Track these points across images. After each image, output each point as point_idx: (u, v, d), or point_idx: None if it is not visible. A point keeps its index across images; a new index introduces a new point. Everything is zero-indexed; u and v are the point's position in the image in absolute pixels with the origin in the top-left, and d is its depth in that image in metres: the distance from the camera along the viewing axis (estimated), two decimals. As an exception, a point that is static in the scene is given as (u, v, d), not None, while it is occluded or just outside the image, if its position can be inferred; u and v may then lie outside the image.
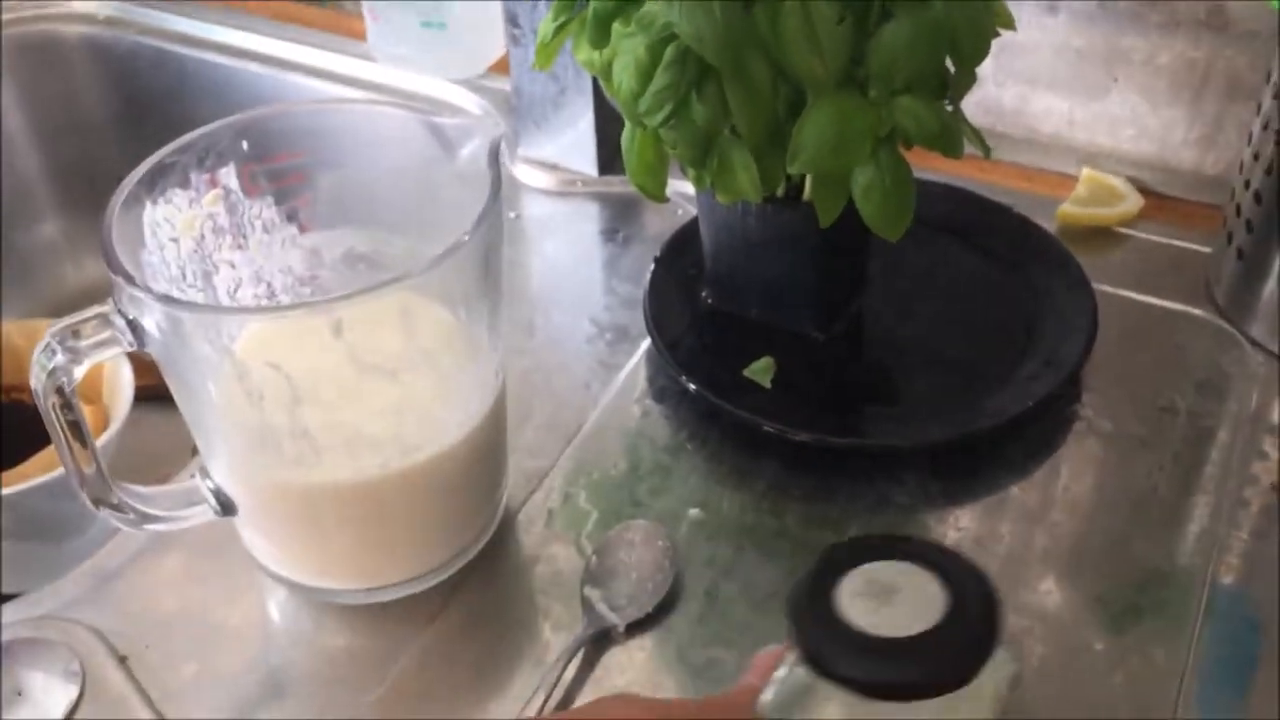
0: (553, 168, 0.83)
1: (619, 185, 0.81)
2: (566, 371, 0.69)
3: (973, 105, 0.77)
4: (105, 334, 0.46)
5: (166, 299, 0.46)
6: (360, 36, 0.94)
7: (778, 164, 0.56)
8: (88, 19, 1.01)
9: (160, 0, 1.01)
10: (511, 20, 0.77)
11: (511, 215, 0.80)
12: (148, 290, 0.46)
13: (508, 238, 0.78)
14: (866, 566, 0.40)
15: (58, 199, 1.08)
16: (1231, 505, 0.59)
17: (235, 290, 0.55)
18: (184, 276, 0.53)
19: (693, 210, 0.71)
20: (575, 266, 0.77)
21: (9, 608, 0.57)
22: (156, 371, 0.92)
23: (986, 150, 0.60)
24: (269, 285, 0.56)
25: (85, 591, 0.58)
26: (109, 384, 0.84)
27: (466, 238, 0.47)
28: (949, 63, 0.58)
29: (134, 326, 0.47)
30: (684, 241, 0.72)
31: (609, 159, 0.81)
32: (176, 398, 0.51)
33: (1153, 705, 0.51)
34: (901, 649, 0.38)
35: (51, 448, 0.74)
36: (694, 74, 0.53)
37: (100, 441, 0.80)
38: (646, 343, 0.69)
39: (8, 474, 0.75)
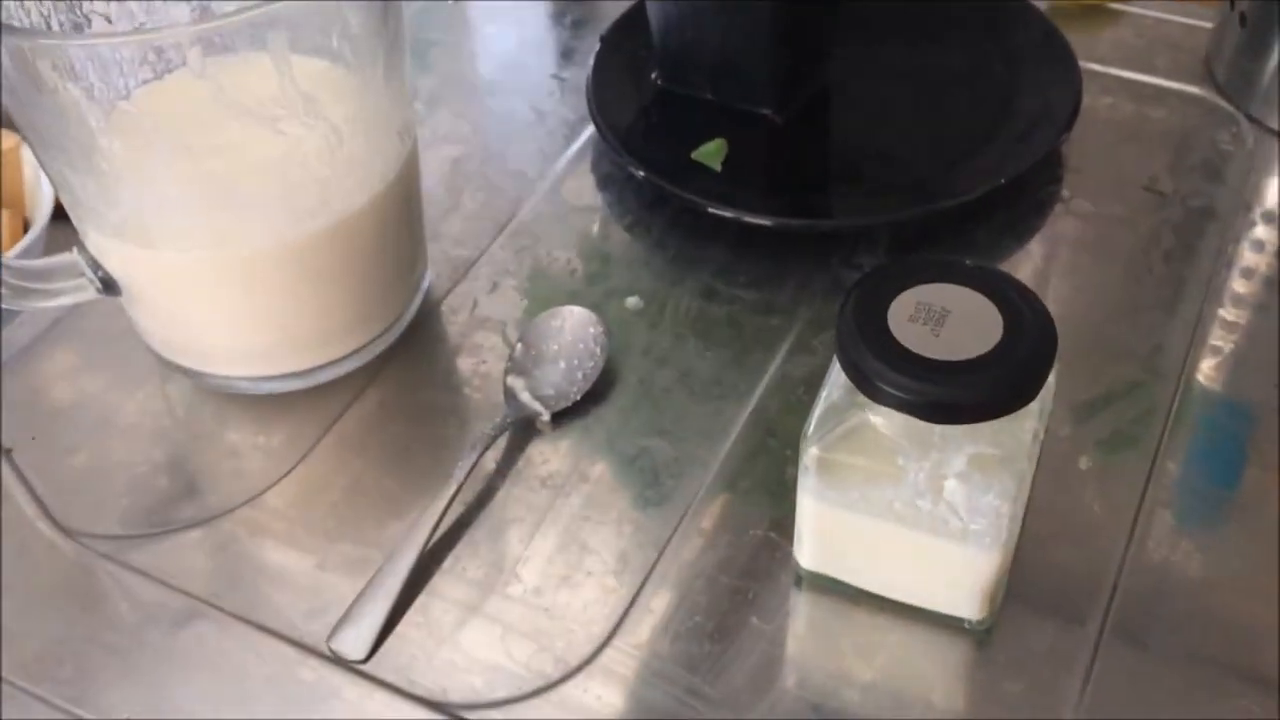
0: (498, -52, 0.76)
1: (569, -32, 0.75)
2: (501, 160, 0.63)
3: None
4: (-61, 72, 0.41)
5: (8, 29, 0.40)
6: None
7: (719, -100, 0.50)
8: None
9: None
10: None
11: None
12: (-22, 15, 0.40)
13: (447, 24, 0.72)
14: (916, 289, 0.39)
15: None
16: (1219, 293, 0.54)
17: (96, 59, 0.49)
18: (48, 28, 0.47)
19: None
20: (518, 52, 0.70)
21: (-112, 401, 0.53)
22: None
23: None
24: (135, 52, 0.50)
25: (-30, 384, 0.54)
26: (30, 189, 0.79)
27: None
28: None
29: (-26, 65, 0.41)
30: (634, 21, 0.66)
31: (558, -61, 0.74)
32: (39, 158, 0.46)
33: (1120, 493, 0.47)
34: (961, 371, 0.37)
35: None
36: None
37: (16, 249, 0.75)
38: (590, 130, 0.64)
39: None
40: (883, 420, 0.39)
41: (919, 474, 0.39)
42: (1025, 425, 0.39)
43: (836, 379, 0.40)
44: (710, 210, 0.56)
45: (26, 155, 0.79)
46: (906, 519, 0.40)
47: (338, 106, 0.45)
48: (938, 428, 0.38)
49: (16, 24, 0.46)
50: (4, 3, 0.46)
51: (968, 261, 0.40)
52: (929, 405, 0.37)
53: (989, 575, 0.41)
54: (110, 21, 0.49)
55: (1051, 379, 0.40)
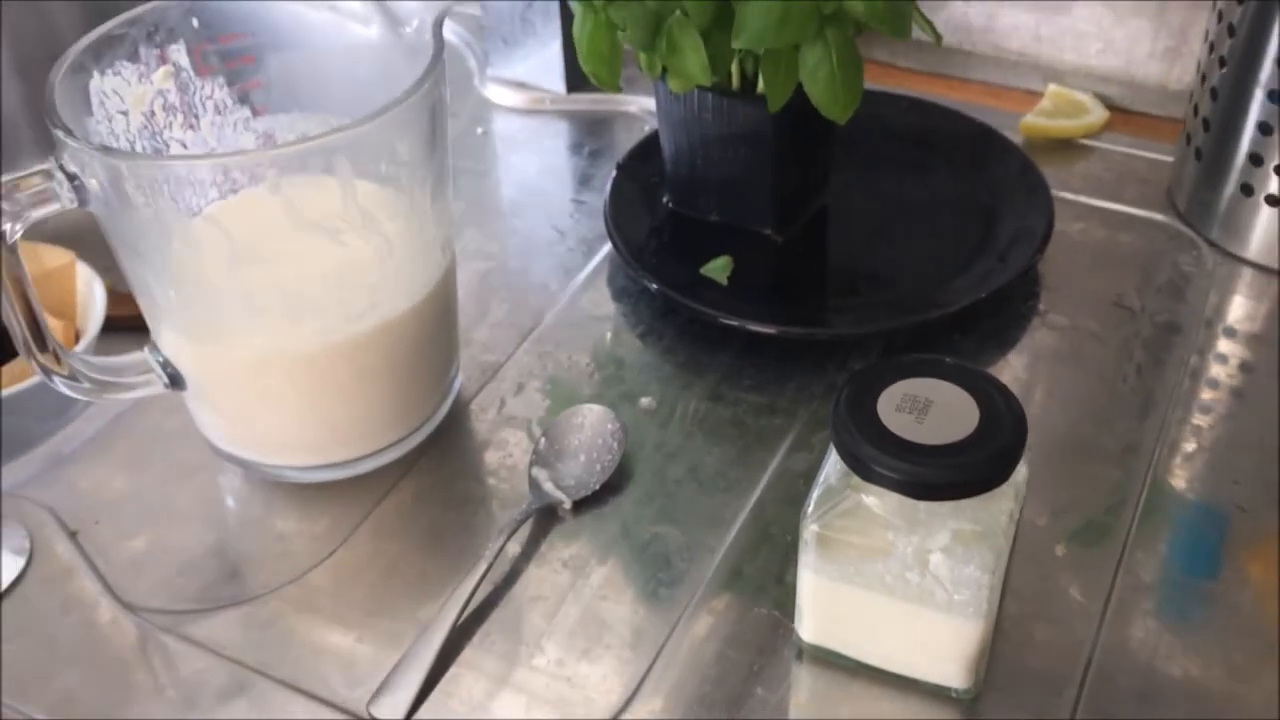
0: (521, 86, 0.83)
1: (587, 103, 0.82)
2: (526, 274, 0.69)
3: (942, 24, 0.78)
4: (45, 187, 0.47)
5: (105, 149, 0.46)
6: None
7: (726, 46, 0.57)
8: (67, -48, 1.02)
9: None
10: (477, -67, 0.77)
11: (479, 131, 0.80)
12: (86, 142, 0.46)
13: (477, 152, 0.79)
14: (901, 383, 0.44)
15: (38, 134, 1.08)
16: (1185, 399, 0.59)
17: (180, 177, 0.55)
18: (133, 151, 0.53)
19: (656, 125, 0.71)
20: (541, 178, 0.77)
21: (-39, 487, 0.58)
22: (131, 303, 0.93)
23: (937, 38, 0.60)
24: (214, 172, 0.56)
25: (37, 472, 0.58)
26: (82, 302, 0.85)
27: (408, 93, 0.47)
28: (900, -51, 0.58)
29: (76, 184, 0.47)
30: (647, 151, 0.73)
31: (578, 77, 0.81)
32: (121, 263, 0.51)
33: (1093, 579, 0.51)
34: (944, 454, 0.41)
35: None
36: (640, -52, 0.54)
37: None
38: (607, 248, 0.70)
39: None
40: (874, 499, 0.44)
41: (907, 548, 0.44)
42: (1001, 505, 0.44)
43: (832, 463, 0.45)
44: (718, 320, 0.62)
45: (80, 270, 0.86)
46: (896, 591, 0.44)
47: (391, 223, 0.50)
48: (923, 505, 0.43)
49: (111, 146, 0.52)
50: (95, 126, 0.52)
51: (947, 360, 0.45)
52: (915, 484, 0.42)
53: (973, 643, 0.45)
54: (186, 147, 0.56)
55: (1025, 467, 0.45)
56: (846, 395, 0.44)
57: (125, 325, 0.68)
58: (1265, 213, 0.65)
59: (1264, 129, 0.63)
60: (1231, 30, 0.63)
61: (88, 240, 0.87)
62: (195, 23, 0.55)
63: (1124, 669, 0.48)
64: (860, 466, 0.43)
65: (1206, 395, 0.60)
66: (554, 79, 0.81)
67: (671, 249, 0.68)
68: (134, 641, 0.51)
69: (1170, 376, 0.61)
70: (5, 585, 0.53)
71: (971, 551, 0.43)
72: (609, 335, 0.65)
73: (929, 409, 0.43)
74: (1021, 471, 0.45)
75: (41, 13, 1.03)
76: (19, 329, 0.50)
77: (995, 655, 0.48)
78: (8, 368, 0.80)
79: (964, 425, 0.43)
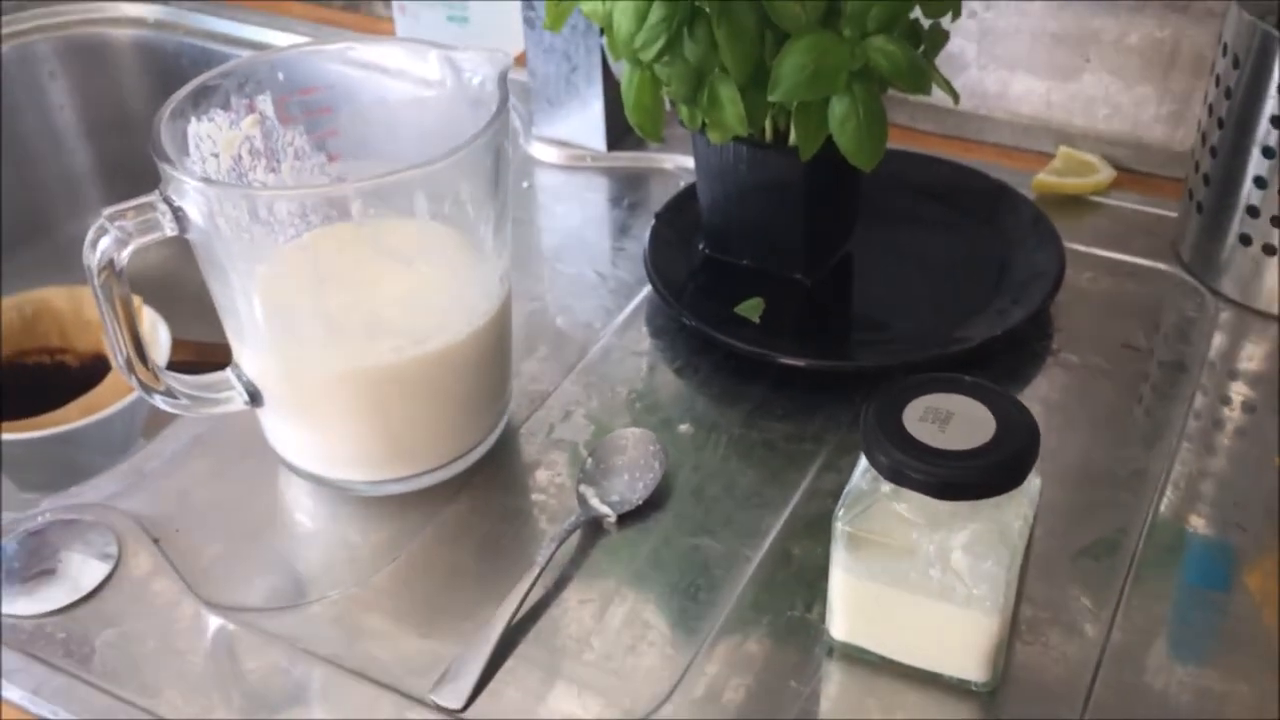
0: (564, 145, 0.89)
1: (626, 160, 0.87)
2: (570, 313, 0.74)
3: (958, 89, 0.83)
4: (150, 216, 0.52)
5: (205, 179, 0.51)
6: (391, 35, 1.01)
7: (763, 101, 0.62)
8: (137, 22, 1.09)
9: (205, 3, 1.09)
10: (527, 3, 0.83)
11: (525, 185, 0.86)
12: (189, 173, 0.51)
13: (522, 203, 0.84)
14: (924, 398, 0.48)
15: (105, 193, 1.14)
16: (1190, 432, 0.63)
17: (272, 209, 0.61)
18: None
19: (694, 180, 0.76)
20: (583, 227, 0.82)
21: (50, 499, 0.62)
22: (193, 348, 0.98)
23: (955, 96, 0.65)
24: (302, 205, 0.61)
25: (122, 486, 0.63)
26: (147, 341, 0.90)
27: (475, 137, 0.53)
28: (920, 14, 0.64)
29: (177, 212, 0.53)
30: (684, 202, 0.78)
31: (618, 136, 0.87)
32: (212, 289, 0.57)
33: (1102, 590, 0.55)
34: (964, 458, 0.46)
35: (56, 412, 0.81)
36: (686, 12, 0.59)
37: (130, 398, 0.85)
38: (646, 290, 0.75)
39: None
40: (900, 501, 0.48)
41: (930, 546, 0.48)
42: (1017, 509, 0.48)
43: (861, 470, 0.50)
44: (751, 354, 0.66)
45: (146, 313, 0.91)
46: (920, 587, 0.48)
47: (457, 253, 0.55)
48: (945, 506, 0.47)
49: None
50: (190, 166, 0.58)
51: (967, 378, 0.50)
52: (938, 485, 0.46)
53: (990, 637, 0.49)
54: (266, 186, 0.61)
55: (1038, 479, 0.49)
56: (875, 407, 0.49)
57: (183, 368, 0.73)
58: (1263, 261, 0.70)
59: (1259, 183, 0.68)
60: (1229, 93, 0.69)
61: (153, 289, 0.93)
62: (280, 76, 0.61)
63: (1132, 671, 0.52)
64: (887, 470, 0.47)
65: (1209, 428, 0.64)
66: (595, 138, 0.87)
67: (707, 291, 0.73)
68: (213, 635, 0.55)
69: (1176, 411, 0.65)
70: (94, 586, 0.57)
71: (989, 549, 0.47)
72: (648, 369, 0.70)
73: (950, 419, 0.48)
74: (1035, 482, 0.50)
75: (107, 81, 1.10)
76: (123, 347, 0.55)
77: (1012, 656, 0.52)
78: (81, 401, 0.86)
79: (982, 434, 0.47)
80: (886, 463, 0.47)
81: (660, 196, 0.82)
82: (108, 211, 0.52)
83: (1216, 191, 0.71)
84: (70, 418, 0.84)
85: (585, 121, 0.87)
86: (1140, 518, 0.59)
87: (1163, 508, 0.59)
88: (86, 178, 1.14)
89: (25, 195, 1.09)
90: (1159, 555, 0.57)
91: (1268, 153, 0.67)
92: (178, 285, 0.79)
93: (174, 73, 1.09)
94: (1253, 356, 0.69)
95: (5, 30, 1.06)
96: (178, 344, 0.93)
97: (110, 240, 0.52)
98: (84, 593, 0.57)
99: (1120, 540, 0.58)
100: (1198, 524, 0.59)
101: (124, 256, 0.53)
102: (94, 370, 0.92)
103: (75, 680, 0.53)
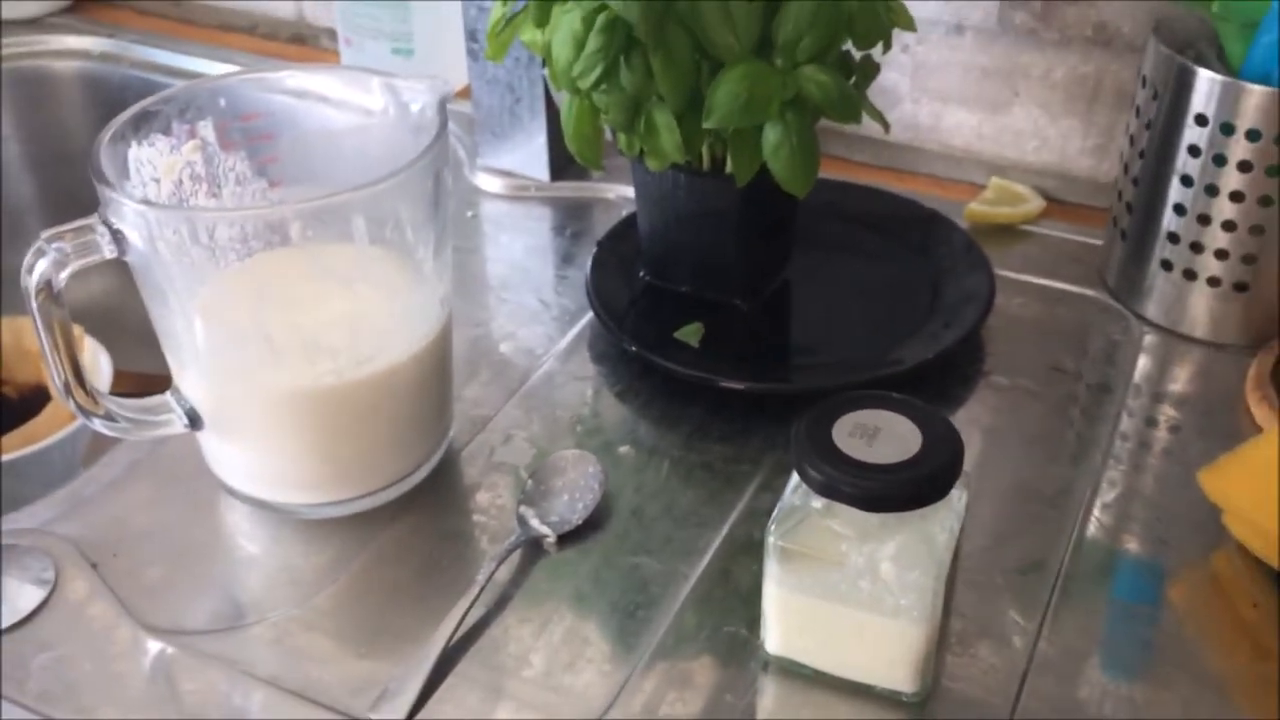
0: (508, 175, 0.90)
1: (570, 190, 0.88)
2: (514, 339, 0.75)
3: (892, 121, 0.85)
4: (88, 238, 0.52)
5: (145, 201, 0.52)
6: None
7: (699, 129, 0.63)
8: (81, 54, 1.09)
9: (150, 35, 1.09)
10: (470, 36, 0.85)
11: (469, 214, 0.87)
12: (128, 195, 0.52)
13: (467, 233, 0.85)
14: (853, 414, 0.50)
15: (48, 225, 1.13)
16: (1115, 452, 0.65)
17: (213, 232, 0.61)
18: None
19: (635, 209, 0.77)
20: (527, 256, 0.83)
21: (-13, 525, 0.62)
22: (135, 379, 0.98)
23: (886, 125, 0.67)
24: (242, 228, 0.62)
25: (60, 511, 0.63)
26: (89, 370, 0.90)
27: (414, 161, 0.54)
28: (851, 47, 0.66)
29: (116, 235, 0.53)
30: (625, 230, 0.79)
31: (561, 166, 0.88)
32: (151, 311, 0.57)
33: (1029, 604, 0.57)
34: (891, 471, 0.47)
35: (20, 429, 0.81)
36: (622, 40, 0.61)
37: (70, 428, 0.85)
38: (588, 317, 0.76)
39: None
40: (830, 515, 0.49)
41: (859, 559, 0.49)
42: (943, 522, 0.50)
43: (793, 485, 0.51)
44: (690, 377, 0.68)
45: (88, 344, 0.91)
46: (850, 598, 0.49)
47: (397, 275, 0.56)
48: (874, 518, 0.48)
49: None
50: (130, 190, 0.58)
51: (894, 394, 0.51)
52: (866, 498, 0.47)
53: (918, 647, 0.50)
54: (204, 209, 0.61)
55: (964, 493, 0.51)
56: (805, 423, 0.50)
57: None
58: (1184, 286, 0.72)
59: (1179, 210, 0.70)
60: (1149, 125, 0.71)
61: (95, 318, 0.93)
62: (222, 102, 0.61)
63: (1059, 681, 0.53)
64: (817, 483, 0.48)
65: (1135, 448, 0.66)
66: (539, 168, 0.88)
67: (647, 317, 0.74)
68: (151, 658, 0.55)
69: (1102, 431, 0.67)
70: (30, 610, 0.57)
71: (915, 560, 0.49)
72: (590, 393, 0.70)
73: (877, 435, 0.49)
74: (961, 497, 0.51)
75: (51, 113, 1.10)
76: (61, 371, 0.55)
77: (942, 667, 0.53)
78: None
79: (908, 448, 0.49)
80: (816, 476, 0.48)
81: (603, 225, 0.84)
82: (46, 233, 0.53)
83: (1139, 219, 0.73)
84: (9, 448, 0.83)
85: (529, 152, 0.88)
86: (1067, 534, 0.60)
87: (1090, 524, 0.61)
88: (29, 209, 1.14)
89: (-35, 227, 1.08)
90: (1086, 570, 0.59)
91: (1186, 181, 0.69)
92: (120, 315, 0.79)
93: (118, 105, 1.06)
94: (1176, 378, 0.71)
95: (-52, 62, 1.06)
96: (120, 375, 0.92)
97: (48, 262, 0.52)
98: (19, 617, 0.57)
99: (1048, 556, 0.59)
100: (1124, 540, 0.60)
101: (62, 278, 0.53)
102: (33, 401, 0.91)
103: (10, 704, 0.53)
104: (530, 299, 0.78)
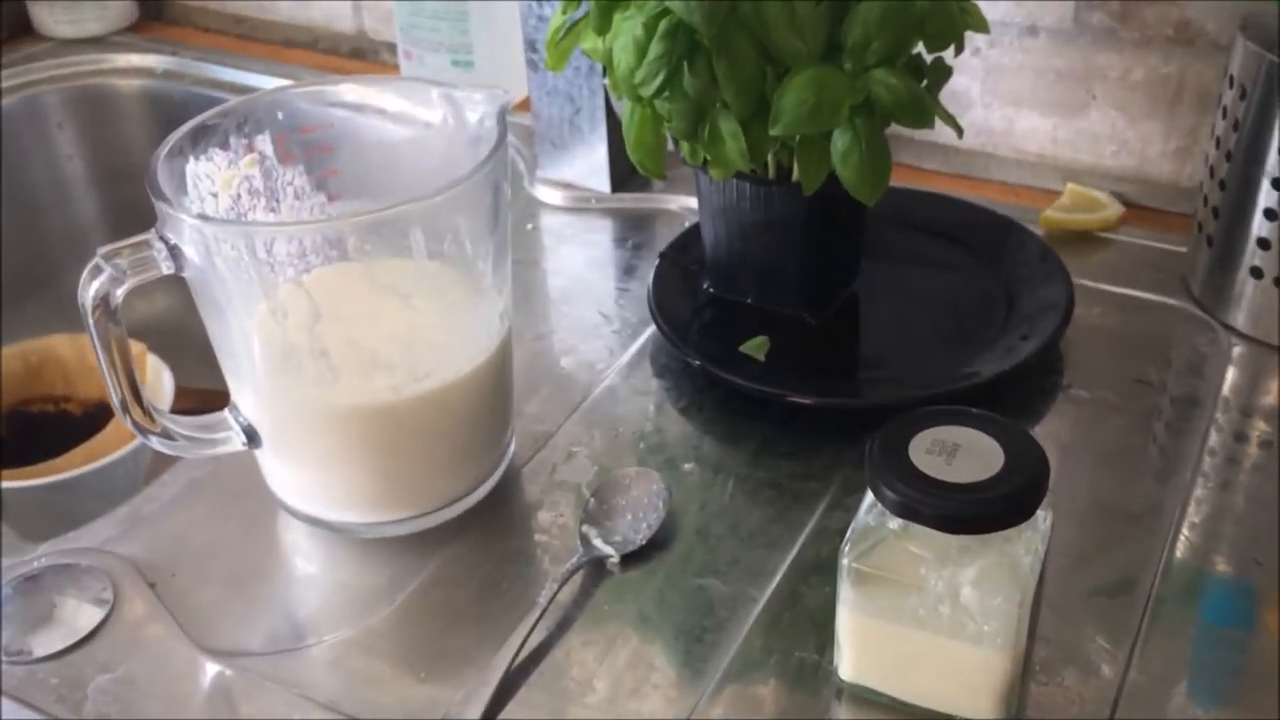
0: (569, 187, 0.88)
1: (631, 201, 0.87)
2: (574, 353, 0.73)
3: (963, 127, 0.83)
4: (145, 254, 0.52)
5: (201, 217, 0.51)
6: (395, 80, 1.01)
7: (764, 136, 0.61)
8: (144, 71, 1.10)
9: (212, 52, 1.09)
10: (529, 46, 0.83)
11: (529, 226, 0.86)
12: (185, 210, 0.51)
13: (527, 245, 0.84)
14: (930, 430, 0.47)
15: (110, 242, 1.14)
16: (1204, 467, 0.62)
17: (270, 247, 0.60)
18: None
19: (698, 220, 0.75)
20: (587, 268, 0.82)
21: (47, 544, 0.61)
22: (197, 396, 0.98)
23: (959, 129, 0.64)
24: (300, 243, 0.61)
25: (119, 531, 0.62)
26: (151, 388, 0.90)
27: (473, 172, 0.52)
28: (922, 49, 0.64)
29: (173, 251, 0.52)
30: (688, 241, 0.77)
31: (622, 177, 0.86)
32: (209, 328, 0.56)
33: (1118, 629, 0.54)
34: (971, 491, 0.45)
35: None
36: (685, 46, 0.59)
37: (132, 445, 0.85)
38: (651, 329, 0.74)
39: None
40: (907, 537, 0.47)
41: (938, 582, 0.47)
42: (1027, 544, 0.47)
43: (868, 505, 0.48)
44: (756, 392, 0.65)
45: (150, 361, 0.91)
46: (929, 624, 0.47)
47: (455, 289, 0.55)
48: (954, 541, 0.46)
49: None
50: (188, 205, 0.57)
51: (973, 410, 0.49)
52: (945, 519, 0.45)
53: (1002, 675, 0.47)
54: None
55: (1049, 514, 0.48)
56: (880, 440, 0.48)
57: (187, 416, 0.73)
58: (1275, 295, 0.69)
59: (1270, 215, 0.67)
60: (1237, 125, 0.68)
61: (158, 334, 0.93)
62: (280, 115, 0.61)
63: (1150, 711, 0.50)
64: (894, 504, 0.46)
65: (1224, 464, 0.63)
66: (600, 179, 0.87)
67: (711, 330, 0.72)
68: (209, 680, 0.54)
69: (1189, 446, 0.64)
70: (89, 631, 0.56)
71: (998, 585, 0.46)
72: (653, 408, 0.69)
73: (957, 452, 0.47)
74: (1046, 518, 0.49)
75: (114, 131, 1.11)
76: (118, 389, 0.54)
77: (1026, 696, 0.51)
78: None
79: (990, 466, 0.46)
80: (892, 497, 0.46)
81: (665, 237, 0.82)
82: (103, 250, 0.52)
83: (1226, 225, 0.70)
84: (72, 465, 0.83)
85: (589, 163, 0.87)
86: (1156, 555, 0.57)
87: (1179, 545, 0.58)
88: (92, 227, 1.14)
89: (31, 245, 1.09)
90: (1176, 593, 0.56)
91: (1278, 184, 0.66)
92: (183, 332, 0.79)
93: (180, 122, 1.07)
94: (1268, 391, 0.67)
95: (13, 81, 1.07)
96: (181, 391, 0.92)
97: (105, 278, 0.52)
98: (78, 637, 0.56)
99: (1136, 578, 0.56)
100: (1215, 561, 0.57)
101: (119, 295, 0.52)
102: (98, 418, 0.91)
103: (66, 727, 0.52)
104: (591, 312, 0.77)
